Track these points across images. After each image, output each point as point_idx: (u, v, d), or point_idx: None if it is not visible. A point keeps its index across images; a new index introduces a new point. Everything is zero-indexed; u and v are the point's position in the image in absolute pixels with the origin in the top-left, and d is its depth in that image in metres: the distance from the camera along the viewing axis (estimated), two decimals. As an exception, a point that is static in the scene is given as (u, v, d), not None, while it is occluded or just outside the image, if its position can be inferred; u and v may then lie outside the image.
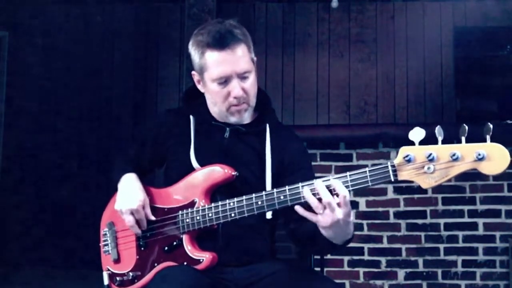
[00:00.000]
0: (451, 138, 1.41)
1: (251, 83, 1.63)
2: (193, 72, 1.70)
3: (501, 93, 5.14)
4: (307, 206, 1.39)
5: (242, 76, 1.60)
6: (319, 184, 1.36)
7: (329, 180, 1.36)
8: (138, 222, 1.63)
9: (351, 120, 5.17)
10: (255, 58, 1.67)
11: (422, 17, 5.23)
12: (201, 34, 1.61)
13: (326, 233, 1.40)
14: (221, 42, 1.56)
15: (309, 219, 1.38)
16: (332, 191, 1.35)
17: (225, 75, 1.58)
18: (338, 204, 1.33)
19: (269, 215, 1.57)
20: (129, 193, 1.65)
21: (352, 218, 1.39)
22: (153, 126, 1.84)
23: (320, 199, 1.35)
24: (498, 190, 3.27)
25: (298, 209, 1.39)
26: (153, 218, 1.63)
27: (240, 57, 1.58)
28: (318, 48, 5.27)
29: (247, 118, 1.71)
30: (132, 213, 1.62)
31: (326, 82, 5.23)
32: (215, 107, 1.67)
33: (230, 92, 1.60)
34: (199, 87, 1.71)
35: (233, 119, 1.66)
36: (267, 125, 1.71)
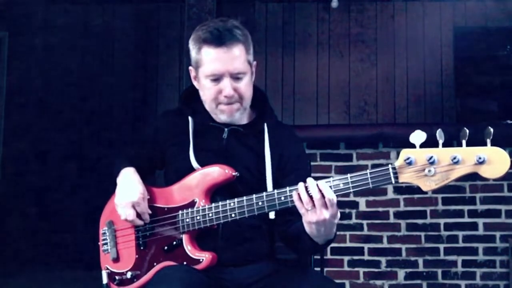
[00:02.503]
0: (451, 138, 1.41)
1: (244, 84, 1.62)
2: (190, 68, 1.70)
3: (501, 93, 5.14)
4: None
5: (236, 77, 1.59)
6: (311, 182, 1.39)
7: (317, 182, 1.40)
8: (139, 215, 1.63)
9: (351, 120, 5.17)
10: (254, 62, 1.67)
11: (422, 17, 5.23)
12: (201, 30, 1.61)
13: (309, 229, 1.43)
14: (218, 39, 1.56)
15: (298, 209, 1.41)
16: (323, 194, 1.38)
17: (218, 73, 1.58)
18: (325, 205, 1.37)
19: (272, 215, 1.57)
20: (129, 186, 1.65)
21: (337, 220, 1.42)
22: (152, 128, 1.84)
23: (311, 196, 1.38)
24: (498, 190, 3.27)
25: (294, 195, 1.41)
26: (149, 211, 1.64)
27: (235, 57, 1.58)
28: (318, 48, 5.28)
29: (244, 118, 1.70)
30: (133, 206, 1.62)
31: (326, 82, 5.23)
32: (206, 105, 1.67)
33: (221, 90, 1.60)
34: (195, 83, 1.71)
35: (223, 117, 1.64)
36: (265, 125, 1.70)
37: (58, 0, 5.29)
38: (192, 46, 1.64)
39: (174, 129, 1.74)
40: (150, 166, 1.83)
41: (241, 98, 1.62)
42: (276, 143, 1.68)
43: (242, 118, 1.69)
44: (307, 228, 1.43)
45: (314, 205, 1.38)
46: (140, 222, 1.64)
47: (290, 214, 1.53)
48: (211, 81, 1.60)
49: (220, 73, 1.58)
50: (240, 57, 1.59)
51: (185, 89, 1.82)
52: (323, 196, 1.37)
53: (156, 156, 1.78)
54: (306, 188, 1.40)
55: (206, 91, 1.63)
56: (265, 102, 1.74)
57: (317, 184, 1.38)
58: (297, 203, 1.41)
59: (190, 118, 1.72)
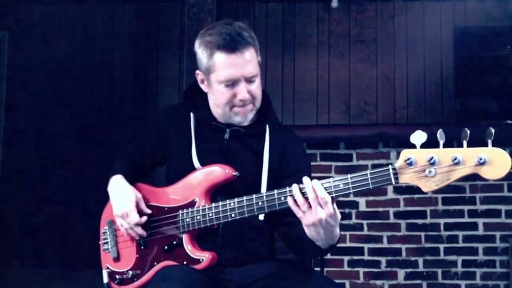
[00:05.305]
0: (451, 138, 1.41)
1: (257, 86, 1.63)
2: (197, 72, 1.69)
3: (501, 93, 5.14)
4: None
5: (250, 80, 1.60)
6: (307, 182, 1.38)
7: (311, 181, 1.38)
8: (135, 224, 1.63)
9: (351, 120, 5.17)
10: (260, 61, 1.67)
11: (422, 17, 5.23)
12: (209, 35, 1.60)
13: (309, 232, 1.42)
14: (232, 45, 1.55)
15: (295, 213, 1.41)
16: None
17: (233, 78, 1.58)
18: (320, 205, 1.36)
19: (261, 217, 1.56)
20: (121, 196, 1.66)
21: (335, 222, 1.40)
22: (154, 122, 1.83)
23: (306, 198, 1.38)
24: (498, 190, 3.27)
25: (289, 200, 1.41)
26: (148, 211, 1.64)
27: (248, 61, 1.58)
28: (318, 48, 5.27)
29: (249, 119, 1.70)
30: (128, 215, 1.62)
31: (326, 82, 5.23)
32: (218, 108, 1.66)
33: (236, 94, 1.60)
34: (203, 86, 1.70)
35: (237, 119, 1.65)
36: (267, 127, 1.71)
37: (58, 0, 5.29)
38: (201, 51, 1.62)
39: (176, 125, 1.74)
40: (152, 162, 1.83)
41: (254, 99, 1.63)
42: (277, 145, 1.69)
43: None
44: (307, 231, 1.43)
45: (310, 206, 1.37)
46: (140, 232, 1.64)
47: (292, 216, 1.53)
48: (225, 86, 1.59)
49: (235, 79, 1.58)
50: (252, 60, 1.59)
51: (188, 86, 1.82)
52: (317, 195, 1.37)
53: (158, 152, 1.78)
54: (301, 189, 1.39)
55: (219, 95, 1.62)
56: (268, 103, 1.75)
57: (311, 185, 1.37)
58: (294, 208, 1.41)
59: (192, 115, 1.72)
